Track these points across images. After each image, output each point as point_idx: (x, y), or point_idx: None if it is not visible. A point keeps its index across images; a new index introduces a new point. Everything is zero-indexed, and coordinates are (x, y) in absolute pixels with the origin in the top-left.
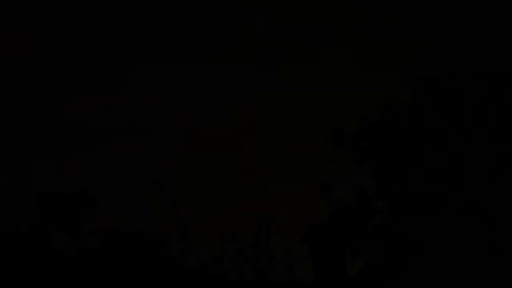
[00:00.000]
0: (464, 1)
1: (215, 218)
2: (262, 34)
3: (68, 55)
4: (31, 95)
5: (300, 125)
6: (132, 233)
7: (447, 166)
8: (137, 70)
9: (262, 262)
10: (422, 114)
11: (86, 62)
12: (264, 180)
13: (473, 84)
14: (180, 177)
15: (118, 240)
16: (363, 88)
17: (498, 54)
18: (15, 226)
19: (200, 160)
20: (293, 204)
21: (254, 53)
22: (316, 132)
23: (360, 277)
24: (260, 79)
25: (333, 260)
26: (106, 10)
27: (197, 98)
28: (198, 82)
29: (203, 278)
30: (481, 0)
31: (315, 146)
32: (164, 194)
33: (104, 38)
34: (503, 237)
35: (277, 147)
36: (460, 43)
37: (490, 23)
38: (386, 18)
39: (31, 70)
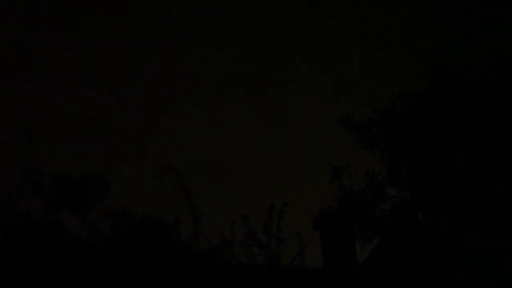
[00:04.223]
0: None
1: (226, 202)
2: (276, 28)
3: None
4: (43, 80)
5: (311, 110)
6: (143, 216)
7: (457, 152)
8: (140, 62)
9: (272, 246)
10: (433, 101)
11: (94, 56)
12: (276, 167)
13: (485, 73)
14: (192, 162)
15: (129, 224)
16: (376, 75)
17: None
18: (27, 209)
19: (212, 146)
20: (304, 190)
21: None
22: (327, 117)
23: (370, 262)
24: (269, 66)
25: (343, 245)
26: None
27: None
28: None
29: (214, 261)
30: None
31: (326, 131)
32: (175, 178)
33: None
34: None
35: (288, 133)
36: (473, 32)
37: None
38: (399, 6)
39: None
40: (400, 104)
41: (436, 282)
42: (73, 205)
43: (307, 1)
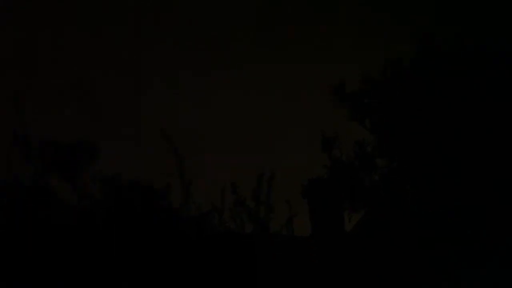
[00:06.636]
0: None
1: (216, 169)
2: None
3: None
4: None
5: (302, 81)
6: (133, 182)
7: (448, 124)
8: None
9: (261, 214)
10: (424, 71)
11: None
12: (266, 134)
13: (476, 45)
14: (182, 128)
15: (119, 189)
16: (366, 44)
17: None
18: (16, 175)
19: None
20: (294, 159)
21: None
22: (317, 87)
23: (357, 231)
24: (262, 36)
25: (331, 214)
26: None
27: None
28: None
29: (202, 227)
30: None
31: (316, 101)
32: (166, 143)
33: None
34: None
35: (279, 102)
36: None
37: None
38: None
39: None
40: (391, 74)
41: (421, 255)
42: (62, 170)
43: None
